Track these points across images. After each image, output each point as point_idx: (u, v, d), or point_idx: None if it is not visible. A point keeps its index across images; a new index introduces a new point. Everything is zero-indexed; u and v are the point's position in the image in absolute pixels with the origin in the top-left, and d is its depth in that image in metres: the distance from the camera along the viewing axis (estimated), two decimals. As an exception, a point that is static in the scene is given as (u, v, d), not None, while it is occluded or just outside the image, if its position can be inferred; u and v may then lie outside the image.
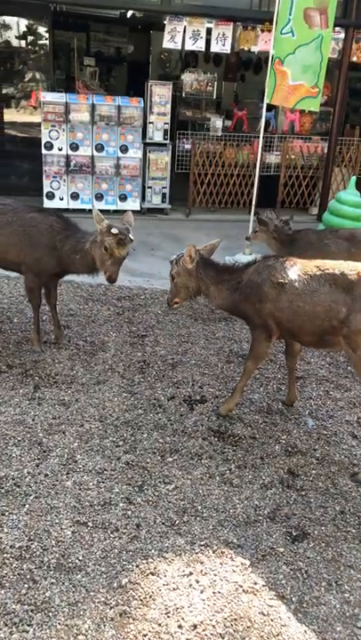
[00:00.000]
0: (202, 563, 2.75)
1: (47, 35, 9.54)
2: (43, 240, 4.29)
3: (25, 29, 9.71)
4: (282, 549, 2.89)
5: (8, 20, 9.42)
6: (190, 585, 2.62)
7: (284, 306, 3.47)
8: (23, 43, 9.84)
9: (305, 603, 2.61)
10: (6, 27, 9.54)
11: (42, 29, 9.62)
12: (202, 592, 2.59)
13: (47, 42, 9.59)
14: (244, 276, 3.68)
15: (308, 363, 4.82)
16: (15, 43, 9.75)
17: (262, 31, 8.23)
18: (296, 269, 3.51)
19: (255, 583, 2.66)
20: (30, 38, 9.86)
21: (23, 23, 9.59)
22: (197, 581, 2.64)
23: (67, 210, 8.53)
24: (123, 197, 8.86)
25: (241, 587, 2.63)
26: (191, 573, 2.68)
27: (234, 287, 3.71)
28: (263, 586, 2.65)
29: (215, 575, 2.68)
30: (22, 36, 9.81)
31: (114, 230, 3.82)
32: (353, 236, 5.13)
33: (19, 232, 4.33)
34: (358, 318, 3.29)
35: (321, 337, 3.49)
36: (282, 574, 2.74)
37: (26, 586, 2.53)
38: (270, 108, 8.89)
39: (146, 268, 6.66)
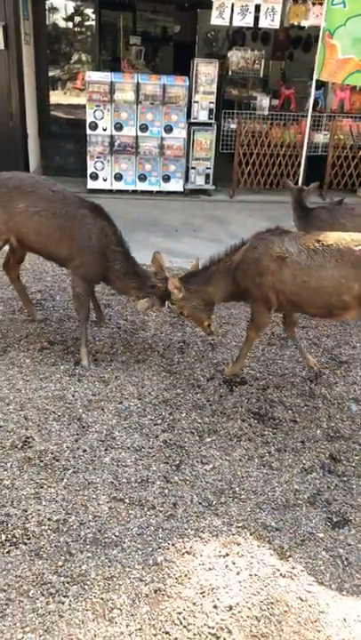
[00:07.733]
0: (238, 544, 2.70)
1: (94, 15, 9.49)
2: (91, 243, 3.95)
3: (72, 10, 9.68)
4: (321, 535, 2.80)
5: (56, 1, 9.40)
6: (226, 566, 2.57)
7: (287, 279, 3.52)
8: (70, 24, 9.83)
9: (345, 590, 2.52)
10: (54, 8, 9.52)
11: (89, 10, 9.58)
12: (238, 574, 2.54)
13: (94, 22, 9.55)
14: (236, 256, 3.72)
15: (353, 347, 4.67)
16: (62, 24, 9.76)
17: (313, 4, 7.95)
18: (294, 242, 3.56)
19: (293, 568, 2.59)
20: (77, 19, 9.84)
21: (71, 4, 9.57)
22: (234, 563, 2.59)
23: (110, 191, 8.57)
24: (166, 178, 8.79)
25: (278, 570, 2.57)
26: (227, 554, 2.63)
27: (226, 272, 3.76)
28: (301, 571, 2.58)
29: (252, 558, 2.63)
30: (69, 17, 9.79)
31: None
32: None
33: (65, 226, 3.92)
34: None
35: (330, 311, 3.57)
36: (321, 560, 2.66)
37: (63, 558, 2.54)
38: (319, 86, 8.62)
39: (188, 248, 6.59)
